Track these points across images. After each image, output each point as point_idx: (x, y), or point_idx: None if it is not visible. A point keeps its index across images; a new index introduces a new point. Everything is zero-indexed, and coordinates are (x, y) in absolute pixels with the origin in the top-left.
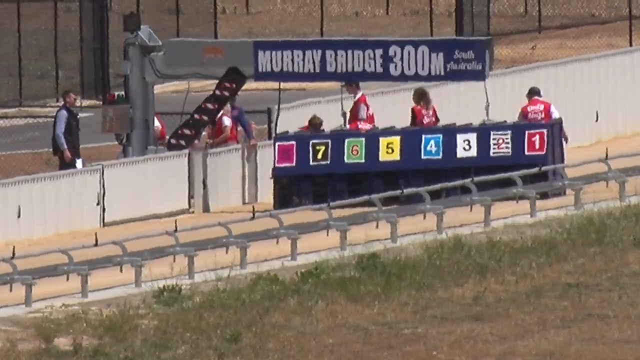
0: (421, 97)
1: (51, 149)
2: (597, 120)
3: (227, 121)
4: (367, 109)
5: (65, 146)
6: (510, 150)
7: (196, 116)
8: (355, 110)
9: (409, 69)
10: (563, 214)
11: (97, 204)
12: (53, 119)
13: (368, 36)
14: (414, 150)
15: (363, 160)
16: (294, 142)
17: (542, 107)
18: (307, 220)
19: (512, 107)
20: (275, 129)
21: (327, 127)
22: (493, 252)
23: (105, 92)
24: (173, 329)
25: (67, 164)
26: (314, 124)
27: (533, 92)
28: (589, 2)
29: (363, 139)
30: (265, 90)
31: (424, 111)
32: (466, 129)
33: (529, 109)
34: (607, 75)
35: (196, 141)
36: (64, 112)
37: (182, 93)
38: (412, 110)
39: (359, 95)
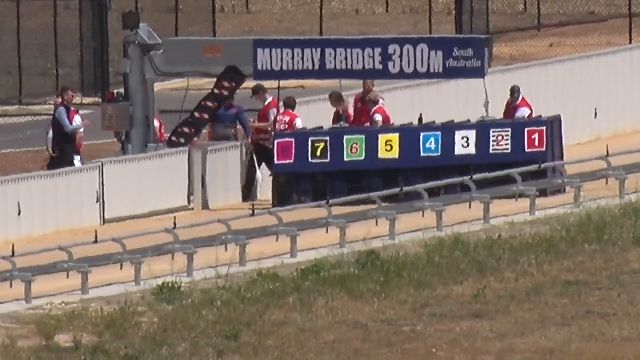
0: (338, 100)
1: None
2: (595, 117)
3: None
4: (277, 113)
5: (82, 129)
6: (509, 147)
7: (196, 114)
8: (264, 113)
9: (409, 66)
10: (563, 211)
11: (97, 202)
12: (52, 118)
13: (367, 34)
14: (413, 147)
15: (362, 158)
16: (293, 140)
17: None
18: (307, 218)
19: None
20: (274, 127)
21: (326, 124)
22: (493, 250)
23: (105, 90)
24: (173, 326)
25: (64, 162)
26: (289, 104)
27: (519, 92)
28: (589, 0)
29: (363, 137)
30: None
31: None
32: (465, 126)
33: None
34: (606, 73)
35: (196, 138)
36: (63, 109)
37: (181, 91)
38: (339, 112)
39: (269, 100)
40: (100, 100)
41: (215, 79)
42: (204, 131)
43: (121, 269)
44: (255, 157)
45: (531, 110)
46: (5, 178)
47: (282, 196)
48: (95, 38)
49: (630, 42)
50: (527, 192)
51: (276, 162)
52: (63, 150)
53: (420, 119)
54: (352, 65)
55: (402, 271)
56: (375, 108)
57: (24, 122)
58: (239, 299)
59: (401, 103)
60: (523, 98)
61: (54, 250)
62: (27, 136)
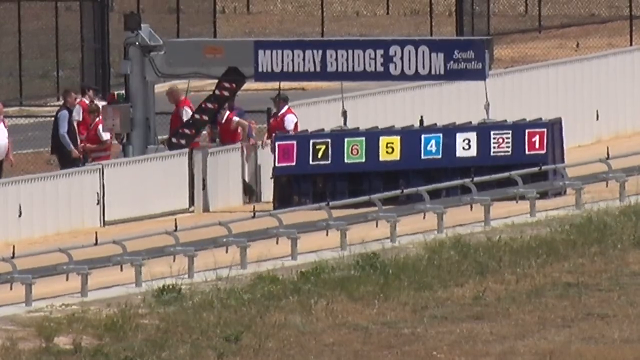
0: (173, 94)
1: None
2: (597, 120)
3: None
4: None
5: (72, 146)
6: (510, 149)
7: (196, 116)
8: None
9: (409, 68)
10: (563, 213)
11: (97, 203)
12: (53, 119)
13: (368, 36)
14: (414, 149)
15: (363, 160)
16: (294, 142)
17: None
18: (307, 220)
19: (512, 107)
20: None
21: (327, 126)
22: (493, 252)
23: (105, 91)
24: (173, 328)
25: (68, 163)
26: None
27: (287, 100)
28: (589, 2)
29: (363, 139)
30: (265, 90)
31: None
32: (466, 128)
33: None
34: (607, 75)
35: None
36: (65, 112)
37: (182, 92)
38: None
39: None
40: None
41: (216, 80)
42: (203, 132)
43: (121, 270)
44: None
45: (297, 119)
46: (6, 180)
47: (283, 198)
48: (96, 39)
49: (631, 44)
50: (528, 194)
51: (277, 164)
52: (61, 154)
53: (421, 121)
54: (353, 67)
55: (402, 273)
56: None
57: (25, 123)
58: (239, 301)
59: (402, 105)
60: (289, 107)
61: (54, 252)
62: (27, 137)
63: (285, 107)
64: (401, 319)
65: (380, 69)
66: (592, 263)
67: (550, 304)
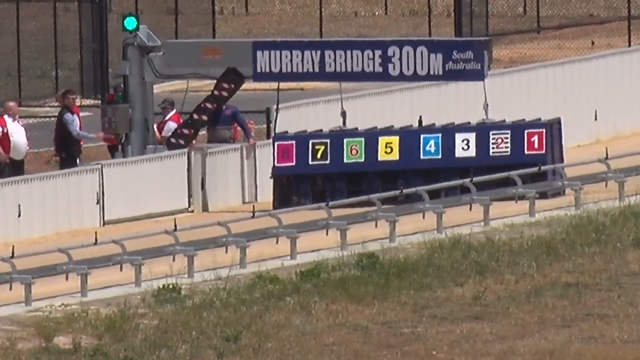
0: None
1: (53, 149)
2: (595, 120)
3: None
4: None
5: (93, 135)
6: (509, 149)
7: (195, 116)
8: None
9: (408, 69)
10: (562, 213)
11: (97, 203)
12: (56, 120)
13: (367, 36)
14: (413, 150)
15: (362, 160)
16: (293, 142)
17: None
18: (307, 220)
19: (511, 107)
20: (274, 129)
21: (326, 126)
22: (492, 252)
23: (104, 92)
24: (173, 328)
25: (72, 162)
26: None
27: (173, 105)
28: (588, 3)
29: (362, 139)
30: (264, 90)
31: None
32: (465, 128)
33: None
34: (605, 75)
35: (194, 141)
36: (70, 115)
37: (181, 92)
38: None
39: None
40: (100, 101)
41: (214, 81)
42: (201, 133)
43: (121, 270)
44: None
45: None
46: (5, 180)
47: (282, 198)
48: (95, 40)
49: (629, 45)
50: (527, 194)
51: (276, 164)
52: (68, 153)
53: (420, 121)
54: (351, 68)
55: (402, 273)
56: None
57: (23, 124)
58: (238, 301)
59: (401, 105)
60: (176, 113)
61: (54, 251)
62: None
63: (171, 113)
64: (401, 319)
65: (378, 69)
66: (591, 263)
67: (550, 303)
